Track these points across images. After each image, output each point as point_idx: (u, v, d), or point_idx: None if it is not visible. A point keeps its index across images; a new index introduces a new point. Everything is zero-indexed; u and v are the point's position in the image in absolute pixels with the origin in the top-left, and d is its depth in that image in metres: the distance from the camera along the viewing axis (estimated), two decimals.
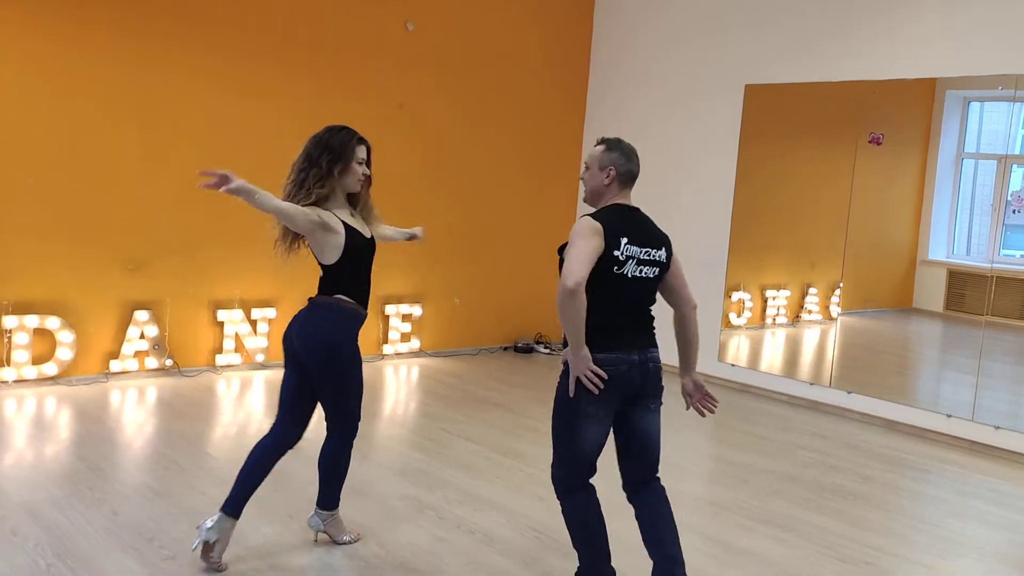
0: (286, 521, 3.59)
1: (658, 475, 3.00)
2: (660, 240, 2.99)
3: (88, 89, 5.31)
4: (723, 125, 6.81)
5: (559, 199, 7.65)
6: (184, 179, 5.71)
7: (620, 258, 2.84)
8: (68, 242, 5.32)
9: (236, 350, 5.99)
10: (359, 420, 3.30)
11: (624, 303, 2.91)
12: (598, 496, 2.97)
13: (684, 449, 5.05)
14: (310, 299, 3.31)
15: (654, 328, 3.01)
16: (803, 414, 6.06)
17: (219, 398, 5.43)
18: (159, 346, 5.67)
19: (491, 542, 3.53)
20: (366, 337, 6.62)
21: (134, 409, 5.08)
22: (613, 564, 2.96)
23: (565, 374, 2.88)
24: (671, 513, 2.96)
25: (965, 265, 6.22)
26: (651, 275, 2.95)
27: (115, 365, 5.52)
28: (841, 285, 6.43)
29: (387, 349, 6.72)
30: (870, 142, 6.23)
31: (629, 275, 2.88)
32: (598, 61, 7.73)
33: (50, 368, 5.28)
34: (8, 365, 5.16)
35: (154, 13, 5.48)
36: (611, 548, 2.96)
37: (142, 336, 5.59)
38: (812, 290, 6.82)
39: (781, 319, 6.98)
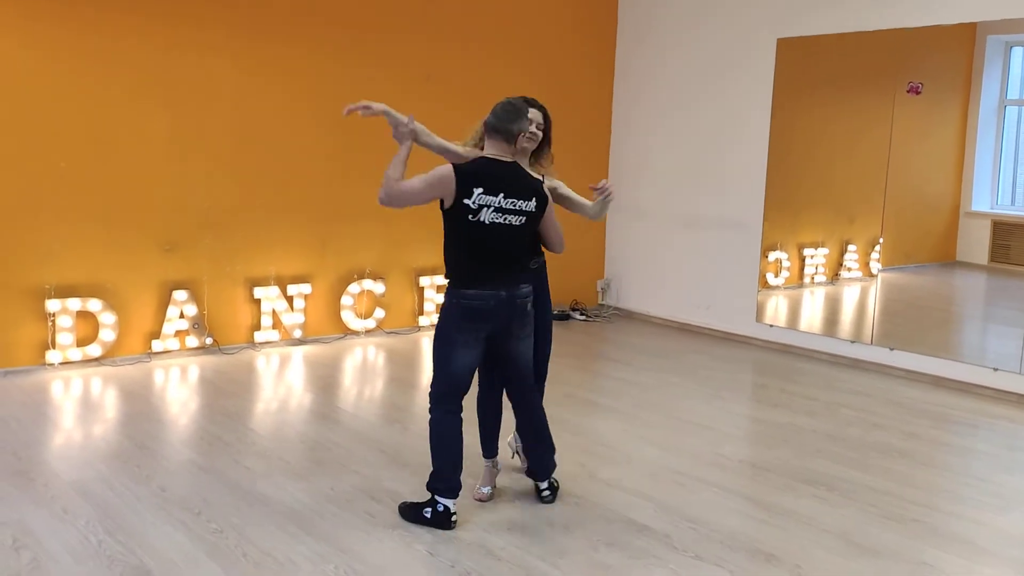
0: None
1: (534, 386, 3.58)
2: (530, 192, 3.32)
3: (116, 72, 5.34)
4: (756, 81, 6.67)
5: (589, 164, 7.57)
6: (214, 157, 5.74)
7: (472, 207, 3.22)
8: (104, 225, 5.39)
9: (274, 326, 6.05)
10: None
11: (488, 247, 3.28)
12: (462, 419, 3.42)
13: (723, 412, 5.01)
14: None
15: (529, 268, 3.46)
16: (845, 372, 5.98)
17: (259, 374, 5.49)
18: (199, 325, 5.74)
19: (531, 508, 3.54)
20: (401, 309, 6.66)
21: (177, 387, 5.16)
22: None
23: (443, 308, 3.36)
24: (540, 418, 3.57)
25: (1010, 215, 6.06)
26: (516, 223, 3.30)
27: (157, 345, 5.60)
28: (881, 240, 6.30)
29: (423, 321, 6.75)
30: (909, 91, 6.05)
31: (487, 222, 3.24)
32: (626, 21, 7.59)
33: (94, 350, 5.38)
34: (54, 348, 5.27)
35: None
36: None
37: (182, 315, 5.67)
38: (851, 247, 6.69)
39: (820, 278, 6.87)
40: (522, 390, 3.53)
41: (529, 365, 3.50)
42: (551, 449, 3.61)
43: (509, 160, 3.33)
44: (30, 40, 5.07)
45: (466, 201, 3.22)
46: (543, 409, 3.61)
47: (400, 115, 3.39)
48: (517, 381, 3.51)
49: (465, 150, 3.46)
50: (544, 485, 3.60)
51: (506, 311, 3.32)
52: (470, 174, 3.24)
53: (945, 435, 4.73)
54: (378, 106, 3.42)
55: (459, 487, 3.35)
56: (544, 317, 3.66)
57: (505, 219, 3.27)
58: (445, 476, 3.33)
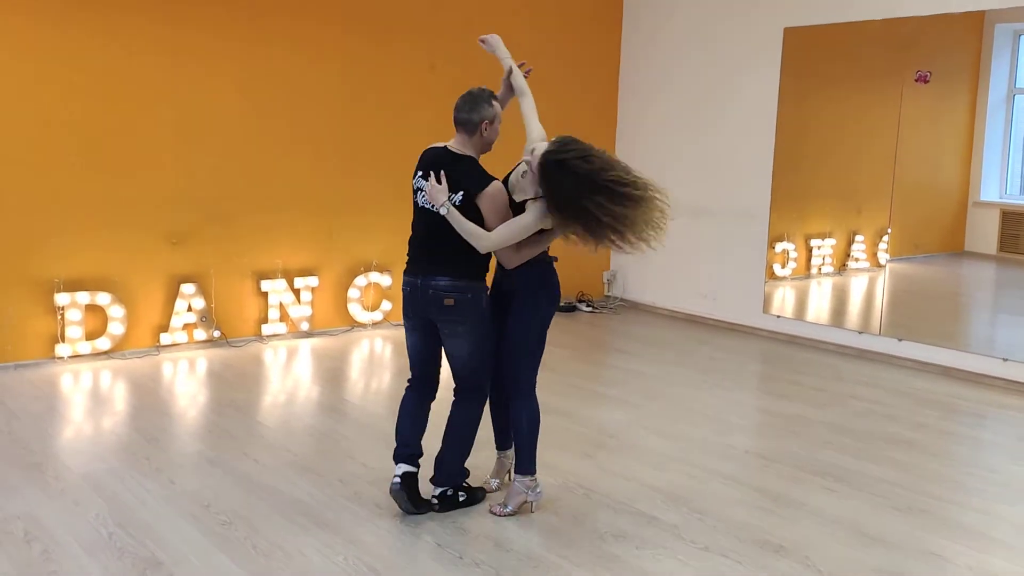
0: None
1: (462, 391, 3.39)
2: (458, 183, 3.21)
3: (120, 68, 5.34)
4: (763, 71, 6.64)
5: None
6: (220, 151, 5.75)
7: (414, 187, 3.31)
8: (112, 219, 5.40)
9: (281, 319, 6.06)
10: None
11: (417, 231, 3.35)
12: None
13: (730, 403, 5.01)
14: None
15: (453, 259, 3.24)
16: (853, 363, 5.97)
17: (267, 367, 5.51)
18: (206, 318, 5.76)
19: (540, 502, 3.54)
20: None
21: (186, 380, 5.18)
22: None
23: None
24: (453, 423, 3.40)
25: (1019, 205, 6.03)
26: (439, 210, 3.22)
27: (165, 338, 5.62)
28: (889, 231, 6.27)
29: None
30: (917, 80, 6.02)
31: (419, 204, 3.29)
32: (631, 11, 7.57)
33: (103, 343, 5.40)
34: (63, 341, 5.29)
35: None
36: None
37: (189, 309, 5.69)
38: (859, 237, 6.67)
39: (827, 268, 6.85)
40: (455, 388, 3.40)
41: (461, 366, 3.32)
42: (452, 457, 3.39)
43: (461, 152, 3.28)
44: (33, 38, 5.07)
45: (413, 181, 3.34)
46: (463, 416, 3.38)
47: (506, 63, 3.56)
48: (453, 374, 3.38)
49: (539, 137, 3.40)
50: (435, 492, 3.40)
51: (422, 300, 3.27)
52: (422, 156, 3.36)
53: (954, 426, 4.72)
54: (494, 42, 3.57)
55: (402, 456, 3.34)
56: (515, 326, 3.32)
57: (433, 205, 3.21)
58: (396, 440, 3.40)
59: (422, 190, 3.26)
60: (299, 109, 6.01)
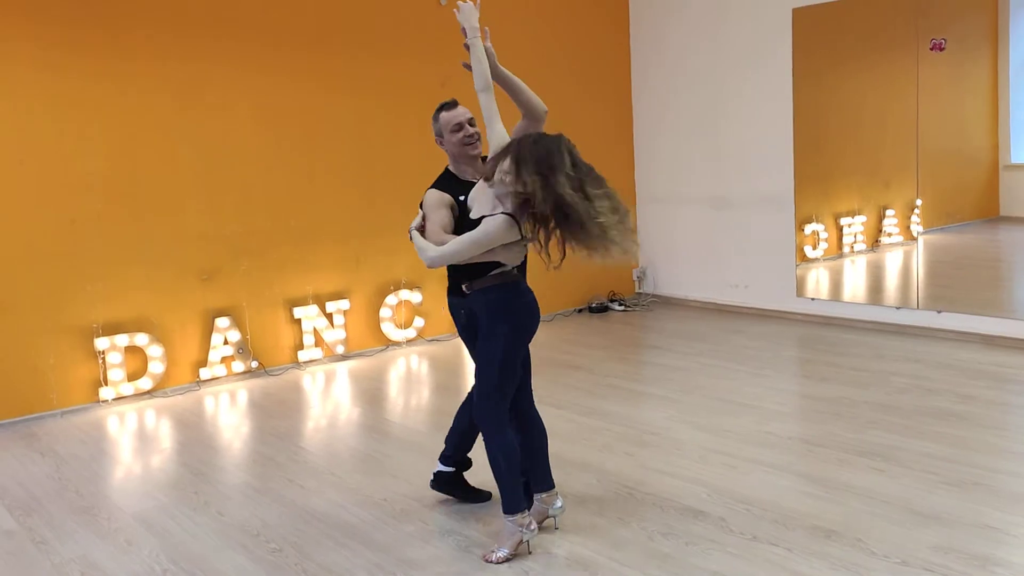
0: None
1: None
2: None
3: (140, 117, 5.44)
4: (773, 54, 6.58)
5: (613, 156, 7.55)
6: (241, 185, 5.83)
7: None
8: (143, 262, 5.50)
9: (316, 344, 6.12)
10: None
11: None
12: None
13: (769, 390, 4.96)
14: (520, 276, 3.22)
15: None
16: (893, 340, 5.87)
17: (306, 393, 5.56)
18: (243, 350, 5.83)
19: (584, 503, 3.53)
20: (440, 316, 6.69)
21: (228, 413, 5.25)
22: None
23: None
24: None
25: None
26: None
27: (204, 373, 5.70)
28: (919, 202, 6.17)
29: None
30: (932, 49, 5.92)
31: None
32: (637, 7, 7.54)
33: (145, 383, 5.49)
34: (106, 384, 5.39)
35: (189, 34, 5.57)
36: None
37: (226, 342, 5.76)
38: (889, 212, 6.57)
39: (859, 246, 6.76)
40: None
41: None
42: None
43: None
44: (47, 87, 5.18)
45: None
46: None
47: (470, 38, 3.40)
48: None
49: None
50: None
51: None
52: None
53: (1002, 395, 4.62)
54: (467, 11, 3.33)
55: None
56: (479, 353, 3.15)
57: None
58: None
59: None
60: (315, 138, 6.08)
